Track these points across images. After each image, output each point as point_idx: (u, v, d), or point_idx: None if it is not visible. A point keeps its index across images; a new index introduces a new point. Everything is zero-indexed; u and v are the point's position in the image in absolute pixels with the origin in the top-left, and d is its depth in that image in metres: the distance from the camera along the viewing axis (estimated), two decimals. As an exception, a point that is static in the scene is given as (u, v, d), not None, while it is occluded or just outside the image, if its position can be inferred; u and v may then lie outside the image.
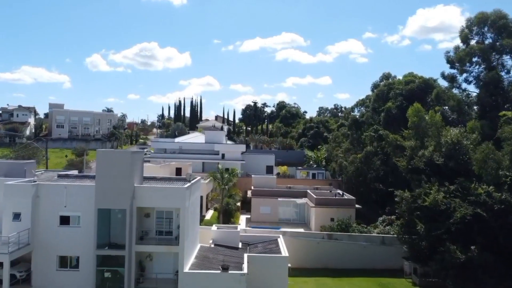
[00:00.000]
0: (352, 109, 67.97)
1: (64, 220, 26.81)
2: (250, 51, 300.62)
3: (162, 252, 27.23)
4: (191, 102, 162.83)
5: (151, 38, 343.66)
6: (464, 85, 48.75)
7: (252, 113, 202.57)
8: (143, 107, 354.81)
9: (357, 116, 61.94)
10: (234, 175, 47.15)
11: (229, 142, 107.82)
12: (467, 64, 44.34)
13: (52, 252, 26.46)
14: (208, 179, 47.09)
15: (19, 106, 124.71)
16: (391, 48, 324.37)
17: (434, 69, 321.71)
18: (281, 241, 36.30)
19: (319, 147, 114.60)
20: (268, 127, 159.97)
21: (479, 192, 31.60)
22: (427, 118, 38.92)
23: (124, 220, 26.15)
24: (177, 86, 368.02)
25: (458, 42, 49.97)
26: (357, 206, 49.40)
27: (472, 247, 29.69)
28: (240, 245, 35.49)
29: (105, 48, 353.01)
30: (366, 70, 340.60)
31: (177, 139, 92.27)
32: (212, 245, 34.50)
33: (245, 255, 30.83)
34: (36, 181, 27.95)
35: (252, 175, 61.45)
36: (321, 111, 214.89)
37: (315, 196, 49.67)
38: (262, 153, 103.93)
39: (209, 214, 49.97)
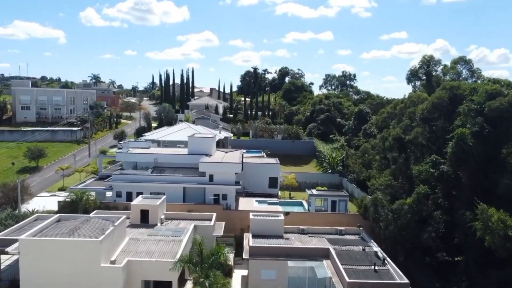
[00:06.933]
0: (389, 117, 48.15)
1: None
2: (249, 5, 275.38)
3: None
4: (181, 76, 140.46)
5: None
6: None
7: (252, 80, 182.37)
8: (141, 63, 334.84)
9: (401, 133, 42.70)
10: (219, 256, 29.09)
11: (223, 132, 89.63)
12: None
13: None
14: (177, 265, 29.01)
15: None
16: (395, 2, 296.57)
17: (440, 27, 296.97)
18: None
19: (331, 136, 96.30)
20: (270, 100, 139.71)
21: None
22: None
23: None
24: (175, 42, 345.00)
25: None
26: (412, 295, 31.94)
27: None
28: None
29: (98, 1, 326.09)
30: (370, 26, 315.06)
31: (156, 135, 75.37)
32: None
33: None
34: None
35: (251, 216, 43.43)
36: (328, 78, 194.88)
37: (347, 279, 32.09)
38: (263, 143, 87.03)
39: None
